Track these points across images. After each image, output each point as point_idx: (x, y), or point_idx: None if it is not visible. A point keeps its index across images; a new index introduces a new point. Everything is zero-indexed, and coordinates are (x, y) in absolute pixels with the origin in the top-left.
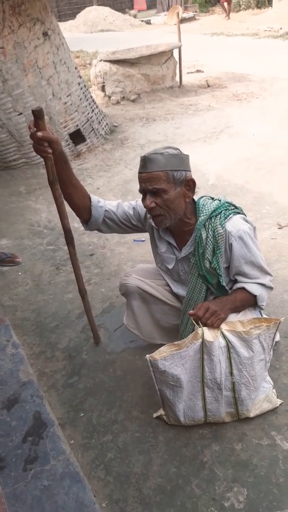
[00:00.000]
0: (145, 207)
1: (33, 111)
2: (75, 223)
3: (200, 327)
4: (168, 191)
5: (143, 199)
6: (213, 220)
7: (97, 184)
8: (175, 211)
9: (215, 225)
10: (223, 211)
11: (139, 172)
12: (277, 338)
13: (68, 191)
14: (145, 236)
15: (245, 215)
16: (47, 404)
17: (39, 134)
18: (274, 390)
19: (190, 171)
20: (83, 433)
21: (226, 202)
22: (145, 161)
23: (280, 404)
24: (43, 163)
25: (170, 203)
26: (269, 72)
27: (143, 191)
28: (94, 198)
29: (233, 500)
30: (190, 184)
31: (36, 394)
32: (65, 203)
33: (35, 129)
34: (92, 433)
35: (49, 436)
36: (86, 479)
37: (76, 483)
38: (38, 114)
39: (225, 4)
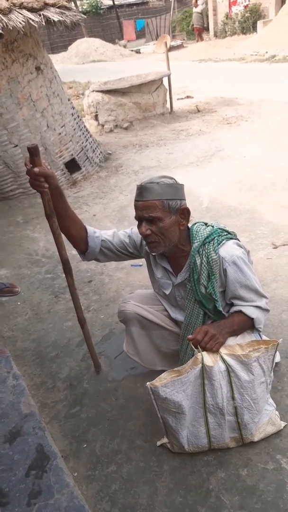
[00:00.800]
0: (140, 234)
1: (28, 148)
2: (73, 251)
3: (199, 351)
4: (163, 219)
5: (139, 226)
6: (206, 246)
7: (93, 211)
8: (169, 238)
9: (208, 251)
10: (216, 237)
11: (136, 200)
12: (278, 359)
13: (65, 223)
14: (143, 261)
15: (239, 240)
16: (49, 436)
17: (36, 170)
18: (277, 413)
19: (185, 200)
20: (87, 465)
21: (219, 228)
22: (142, 190)
23: (284, 427)
24: (40, 195)
25: (165, 230)
26: (257, 95)
27: (139, 218)
28: (90, 229)
29: None
30: (185, 213)
31: (38, 426)
32: (62, 235)
33: (31, 165)
34: (96, 464)
35: (52, 469)
36: None
37: None
38: (33, 151)
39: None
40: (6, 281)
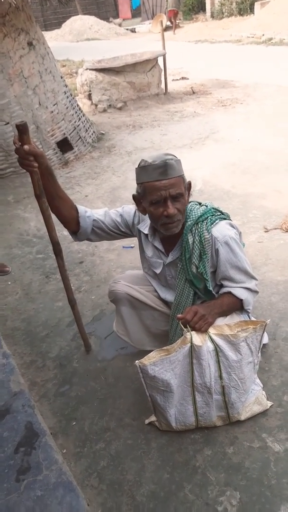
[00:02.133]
0: (166, 215)
1: (17, 126)
2: (64, 232)
3: (188, 331)
4: (184, 195)
5: (162, 207)
6: (199, 226)
7: (85, 191)
8: (183, 214)
9: (201, 230)
10: (209, 217)
11: (158, 180)
12: (266, 340)
13: (55, 203)
14: (134, 242)
15: (231, 221)
16: (39, 414)
17: (25, 147)
18: (264, 393)
19: None
20: (76, 442)
21: (213, 208)
22: (166, 168)
23: (270, 406)
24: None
25: (184, 206)
26: (252, 78)
27: (164, 199)
28: (81, 208)
29: (226, 504)
30: (189, 187)
31: (28, 404)
32: (53, 215)
33: (20, 143)
34: (85, 441)
35: (41, 446)
36: (79, 488)
37: (69, 492)
38: (22, 129)
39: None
40: None
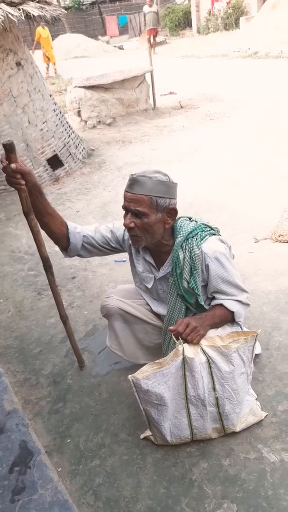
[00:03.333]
0: (124, 225)
1: (4, 145)
2: (55, 248)
3: (180, 343)
4: (149, 215)
5: (124, 216)
6: (189, 241)
7: (76, 207)
8: (152, 235)
9: (191, 246)
10: (199, 233)
11: (125, 190)
12: (258, 350)
13: (45, 220)
14: (126, 256)
15: (221, 236)
16: (33, 433)
17: (12, 166)
18: (258, 403)
19: (175, 199)
20: (71, 460)
21: (203, 224)
22: (133, 182)
23: (265, 417)
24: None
25: (149, 227)
26: (239, 92)
27: (126, 209)
28: (70, 225)
29: None
30: (172, 213)
31: (22, 423)
32: (42, 232)
33: (7, 162)
34: (80, 458)
35: (36, 465)
36: (75, 507)
37: (65, 511)
38: (9, 148)
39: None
40: None
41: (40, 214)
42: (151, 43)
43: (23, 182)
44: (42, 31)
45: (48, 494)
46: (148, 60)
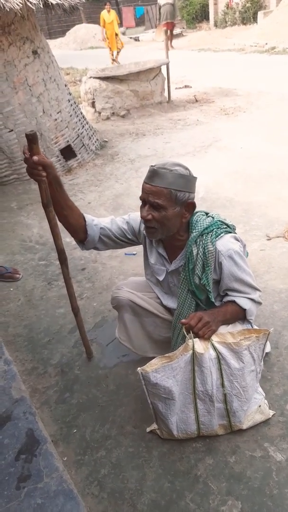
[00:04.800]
0: (141, 216)
1: (26, 135)
2: (67, 238)
3: (190, 337)
4: (167, 208)
5: (142, 208)
6: (204, 237)
7: (88, 198)
8: (169, 228)
9: (205, 242)
10: (214, 229)
11: (145, 182)
12: (268, 349)
13: (64, 213)
14: (137, 249)
15: (236, 234)
16: (40, 421)
17: (34, 158)
18: (266, 401)
19: (194, 193)
20: (76, 450)
21: (219, 221)
22: (153, 174)
23: (272, 415)
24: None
25: (166, 220)
26: (255, 87)
27: (144, 201)
28: (88, 217)
29: None
30: (190, 207)
31: (29, 411)
32: (58, 223)
33: (29, 153)
34: (86, 449)
35: (42, 453)
36: (80, 496)
37: (70, 501)
38: (32, 138)
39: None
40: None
41: (60, 207)
42: (167, 36)
43: (44, 174)
44: (106, 16)
45: (53, 483)
46: (165, 52)
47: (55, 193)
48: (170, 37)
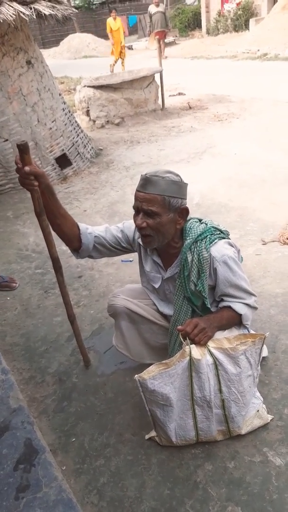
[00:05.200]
0: (136, 225)
1: (18, 146)
2: (63, 246)
3: (187, 344)
4: (161, 215)
5: (135, 216)
6: (198, 244)
7: (84, 206)
8: (164, 235)
9: (200, 249)
10: (208, 236)
11: (137, 190)
12: (265, 353)
13: (57, 221)
14: (133, 256)
15: (230, 239)
16: (38, 431)
17: (26, 168)
18: (264, 406)
19: (186, 200)
20: (75, 458)
21: (212, 227)
22: (145, 182)
23: (271, 420)
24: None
25: (161, 227)
26: (248, 93)
27: (137, 209)
28: (82, 225)
29: None
30: (183, 213)
31: (27, 420)
32: (53, 232)
33: (21, 163)
34: (84, 458)
35: (40, 463)
36: (79, 506)
37: (69, 510)
38: (23, 148)
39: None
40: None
41: (53, 216)
42: (160, 45)
43: (36, 183)
44: (112, 23)
45: (52, 493)
46: (158, 60)
47: (48, 202)
48: (163, 46)
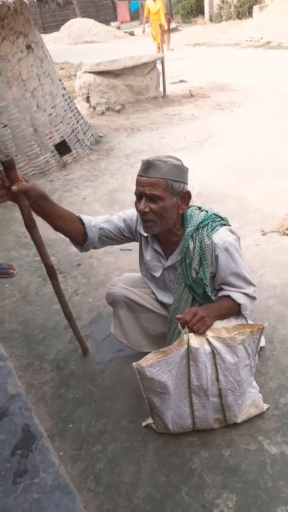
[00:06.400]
0: (138, 210)
1: (2, 163)
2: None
3: (186, 332)
4: (164, 199)
5: (138, 202)
6: (200, 232)
7: (83, 194)
8: (166, 220)
9: (202, 236)
10: (210, 223)
11: (139, 175)
12: (262, 343)
13: (58, 224)
14: (132, 245)
15: (231, 226)
16: (36, 417)
17: (14, 188)
18: (260, 395)
19: (187, 184)
20: (73, 445)
21: (213, 214)
22: (148, 166)
23: (267, 409)
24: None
25: (164, 211)
26: (250, 81)
27: (140, 194)
28: (85, 219)
29: (222, 507)
30: (186, 197)
31: (25, 406)
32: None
33: (8, 183)
34: (82, 444)
35: (38, 448)
36: (76, 491)
37: (66, 495)
38: (8, 165)
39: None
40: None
41: (52, 219)
42: (165, 32)
43: (25, 201)
44: (151, 5)
45: (49, 478)
46: (160, 47)
47: (43, 209)
48: (168, 36)
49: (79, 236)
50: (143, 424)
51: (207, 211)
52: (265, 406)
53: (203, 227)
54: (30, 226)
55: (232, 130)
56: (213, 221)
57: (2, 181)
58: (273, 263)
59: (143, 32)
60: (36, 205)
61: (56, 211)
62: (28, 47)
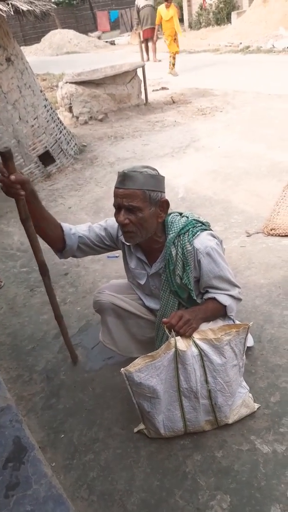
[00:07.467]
0: (117, 222)
1: (1, 153)
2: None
3: (172, 336)
4: (143, 209)
5: (117, 214)
6: (181, 238)
7: (68, 203)
8: (146, 230)
9: (183, 242)
10: (190, 229)
11: (116, 187)
12: (251, 343)
13: (41, 225)
14: (119, 252)
15: (212, 230)
16: (27, 428)
17: (12, 177)
18: (250, 395)
19: (165, 193)
20: (64, 454)
21: (194, 219)
22: (124, 177)
23: (257, 408)
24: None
25: (144, 221)
26: (231, 86)
27: (118, 206)
28: (65, 226)
29: (216, 508)
30: (164, 206)
31: (15, 419)
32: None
33: (6, 172)
34: (74, 453)
35: (30, 460)
36: (69, 501)
37: (60, 506)
38: (7, 156)
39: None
40: None
41: (36, 219)
42: (153, 42)
43: (23, 192)
44: (164, 12)
45: (42, 489)
46: (139, 55)
47: (31, 207)
48: (153, 47)
49: (58, 242)
50: (135, 430)
51: (187, 217)
52: (256, 405)
53: (184, 233)
54: (25, 220)
55: (215, 135)
56: (193, 227)
57: (1, 172)
58: (259, 264)
59: (156, 40)
60: (28, 202)
61: (42, 212)
62: (8, 59)
